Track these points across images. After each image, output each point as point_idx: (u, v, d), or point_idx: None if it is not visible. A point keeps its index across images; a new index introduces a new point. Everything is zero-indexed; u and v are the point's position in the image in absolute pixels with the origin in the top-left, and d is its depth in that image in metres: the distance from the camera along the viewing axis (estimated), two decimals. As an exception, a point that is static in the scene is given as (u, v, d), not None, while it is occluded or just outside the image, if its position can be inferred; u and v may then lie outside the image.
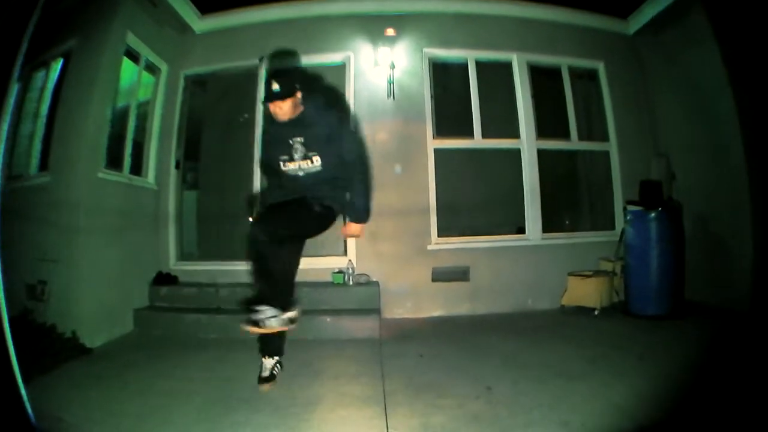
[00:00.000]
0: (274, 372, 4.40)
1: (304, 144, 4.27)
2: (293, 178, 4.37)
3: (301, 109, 4.27)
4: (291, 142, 4.28)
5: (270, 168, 4.58)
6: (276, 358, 4.47)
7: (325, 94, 4.71)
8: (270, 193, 4.74)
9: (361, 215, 4.49)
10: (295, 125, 4.28)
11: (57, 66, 6.20)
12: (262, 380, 4.31)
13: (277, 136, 4.38)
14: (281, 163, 4.35)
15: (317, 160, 4.27)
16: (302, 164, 4.29)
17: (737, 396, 3.43)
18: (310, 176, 4.32)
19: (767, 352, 4.10)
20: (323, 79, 7.25)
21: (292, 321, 4.22)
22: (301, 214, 4.33)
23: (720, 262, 6.73)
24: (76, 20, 6.00)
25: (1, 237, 2.44)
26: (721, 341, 5.08)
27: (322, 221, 4.44)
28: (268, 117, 4.48)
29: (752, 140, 6.11)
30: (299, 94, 4.22)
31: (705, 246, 7.00)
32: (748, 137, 6.16)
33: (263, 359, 4.44)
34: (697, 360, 4.58)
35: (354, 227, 4.55)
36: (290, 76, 4.40)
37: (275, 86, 4.11)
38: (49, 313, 5.38)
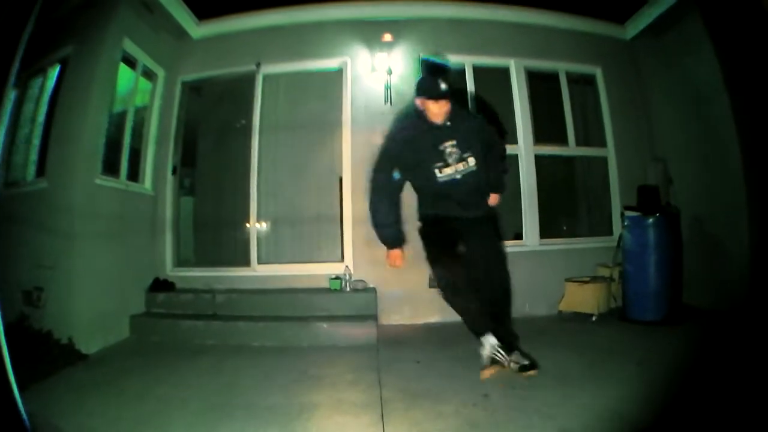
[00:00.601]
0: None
1: (457, 146, 4.31)
2: (452, 184, 4.38)
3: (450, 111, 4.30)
4: (442, 148, 4.31)
5: (419, 178, 4.53)
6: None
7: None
8: (427, 205, 4.71)
9: (502, 187, 4.89)
10: (442, 129, 4.31)
11: (54, 72, 6.20)
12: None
13: (424, 143, 4.35)
14: (436, 171, 4.35)
15: (472, 161, 4.35)
16: (459, 167, 4.34)
17: (735, 400, 3.42)
18: (468, 176, 4.38)
19: (764, 355, 4.09)
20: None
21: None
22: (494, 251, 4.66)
23: (717, 266, 6.72)
24: (72, 27, 6.01)
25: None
26: (719, 345, 5.07)
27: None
28: (405, 128, 4.54)
29: (749, 145, 6.11)
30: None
31: (702, 250, 7.00)
32: (745, 142, 6.16)
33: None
34: (695, 365, 4.57)
35: (496, 197, 4.80)
36: (450, 74, 4.42)
37: (444, 85, 4.11)
38: (45, 320, 5.35)
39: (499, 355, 4.40)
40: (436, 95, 4.13)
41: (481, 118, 4.66)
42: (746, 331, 4.95)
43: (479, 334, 4.53)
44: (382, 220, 4.51)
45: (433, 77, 4.15)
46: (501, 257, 4.64)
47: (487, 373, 4.39)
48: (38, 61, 6.12)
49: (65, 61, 6.09)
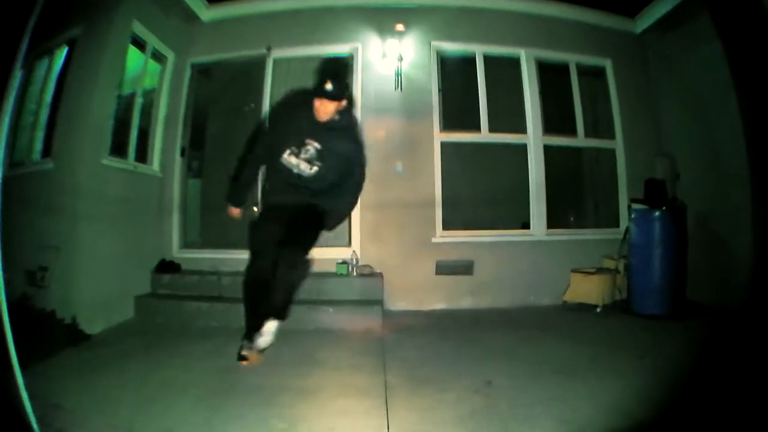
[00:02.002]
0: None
1: (318, 150, 4.40)
2: (287, 173, 4.48)
3: (335, 118, 4.36)
4: (306, 141, 4.39)
5: (268, 152, 4.63)
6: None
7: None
8: (271, 183, 4.81)
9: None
10: (319, 126, 4.38)
11: (61, 54, 6.19)
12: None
13: (294, 127, 4.45)
14: (285, 153, 4.43)
15: (315, 170, 4.43)
16: (302, 165, 4.43)
17: (736, 395, 3.42)
18: (303, 179, 4.47)
19: (766, 351, 4.08)
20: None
21: None
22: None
23: (722, 262, 6.70)
24: (81, 8, 5.97)
25: (2, 223, 2.42)
26: (722, 341, 5.06)
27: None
28: (292, 106, 4.63)
29: (755, 143, 6.08)
30: (344, 103, 4.35)
31: (707, 245, 6.98)
32: (751, 139, 6.13)
33: None
34: (697, 359, 4.57)
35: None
36: (345, 82, 4.51)
37: (329, 85, 4.18)
38: (48, 300, 5.37)
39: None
40: (320, 94, 4.23)
41: (359, 138, 4.69)
42: (748, 329, 4.95)
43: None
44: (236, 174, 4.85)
45: (326, 78, 4.23)
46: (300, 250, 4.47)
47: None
48: (46, 42, 6.11)
49: (73, 43, 6.07)
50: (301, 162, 4.41)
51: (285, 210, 4.48)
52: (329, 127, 4.36)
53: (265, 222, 4.60)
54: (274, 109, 4.82)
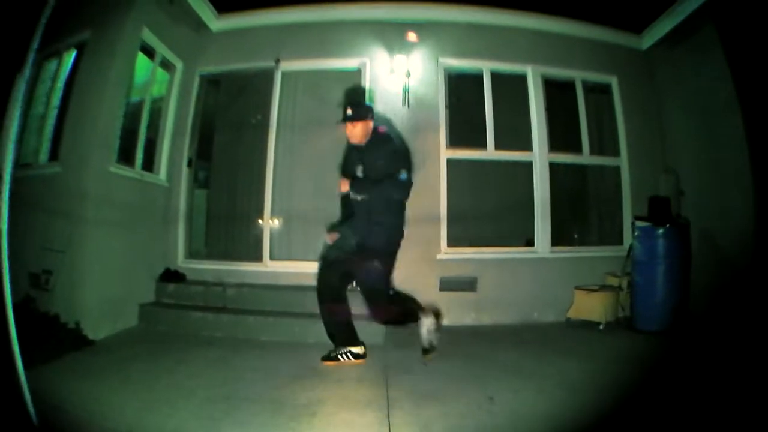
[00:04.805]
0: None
1: (363, 172, 4.86)
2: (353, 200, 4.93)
3: (370, 138, 4.89)
4: (355, 169, 4.89)
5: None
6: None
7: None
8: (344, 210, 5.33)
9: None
10: (358, 151, 4.95)
11: (70, 57, 6.23)
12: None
13: (351, 159, 5.03)
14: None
15: (362, 197, 4.87)
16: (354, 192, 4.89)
17: (740, 411, 3.42)
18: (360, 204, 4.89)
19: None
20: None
21: None
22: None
23: (725, 278, 6.70)
24: (91, 12, 6.02)
25: (7, 225, 2.44)
26: (724, 357, 5.06)
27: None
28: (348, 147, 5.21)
29: (760, 159, 6.10)
30: (370, 123, 4.89)
31: (710, 261, 6.99)
32: (756, 155, 6.15)
33: None
34: (699, 375, 4.57)
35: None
36: (363, 104, 5.30)
37: (349, 111, 4.80)
38: (53, 303, 5.39)
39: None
40: (342, 120, 4.85)
41: (392, 150, 5.02)
42: (749, 342, 4.95)
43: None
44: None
45: (345, 105, 4.85)
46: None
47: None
48: (54, 45, 6.14)
49: (82, 47, 6.11)
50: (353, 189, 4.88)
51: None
52: (367, 149, 4.87)
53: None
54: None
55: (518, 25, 7.81)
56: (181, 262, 7.39)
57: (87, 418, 3.50)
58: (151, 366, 4.75)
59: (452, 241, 7.40)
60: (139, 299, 6.54)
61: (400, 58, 7.34)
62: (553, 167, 7.73)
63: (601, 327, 6.66)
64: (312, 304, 5.27)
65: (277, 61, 7.49)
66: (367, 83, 7.47)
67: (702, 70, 7.07)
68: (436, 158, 7.40)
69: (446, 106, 7.61)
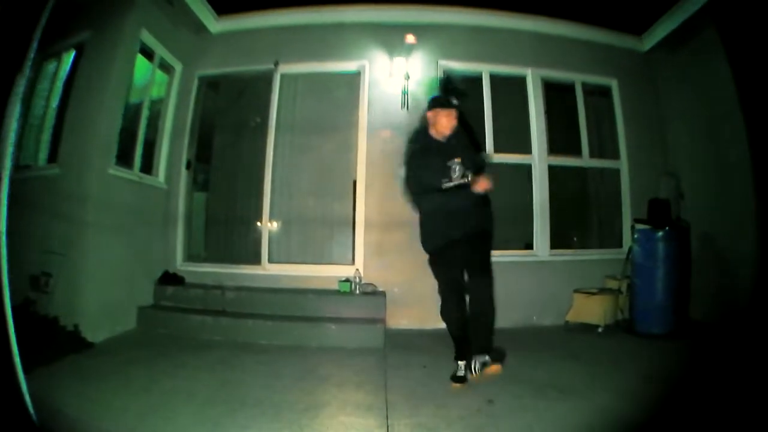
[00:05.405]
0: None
1: (462, 163, 4.51)
2: (455, 197, 4.53)
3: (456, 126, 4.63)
4: (449, 164, 4.50)
5: (428, 189, 4.64)
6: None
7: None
8: (430, 227, 4.81)
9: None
10: (448, 145, 4.62)
11: (69, 57, 6.23)
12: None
13: (433, 158, 4.55)
14: (443, 185, 4.53)
15: (470, 177, 4.52)
16: (461, 182, 4.52)
17: (739, 415, 3.42)
18: (466, 193, 4.51)
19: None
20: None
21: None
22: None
23: (725, 282, 6.71)
24: (90, 13, 6.01)
25: (7, 227, 2.43)
26: (724, 361, 5.05)
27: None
28: (418, 140, 4.79)
29: (761, 161, 6.10)
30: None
31: (710, 265, 7.00)
32: (757, 158, 6.15)
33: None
34: (699, 379, 4.57)
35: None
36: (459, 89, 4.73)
37: (454, 99, 4.59)
38: (52, 306, 5.37)
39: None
40: (444, 105, 4.51)
41: (468, 135, 4.91)
42: (750, 347, 4.95)
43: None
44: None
45: (446, 92, 4.39)
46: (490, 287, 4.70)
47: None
48: (54, 45, 6.13)
49: (81, 47, 6.11)
50: (457, 182, 4.51)
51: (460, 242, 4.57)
52: (455, 137, 4.64)
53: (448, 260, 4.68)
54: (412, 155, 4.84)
55: (518, 28, 7.81)
56: (180, 264, 7.38)
57: (87, 420, 3.49)
58: (150, 369, 4.74)
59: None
60: (138, 302, 6.53)
61: (399, 60, 7.34)
62: (553, 170, 7.73)
63: (600, 330, 6.65)
64: (310, 306, 5.27)
65: (276, 64, 7.48)
66: (366, 86, 7.48)
67: (703, 73, 7.06)
68: (436, 161, 7.34)
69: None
